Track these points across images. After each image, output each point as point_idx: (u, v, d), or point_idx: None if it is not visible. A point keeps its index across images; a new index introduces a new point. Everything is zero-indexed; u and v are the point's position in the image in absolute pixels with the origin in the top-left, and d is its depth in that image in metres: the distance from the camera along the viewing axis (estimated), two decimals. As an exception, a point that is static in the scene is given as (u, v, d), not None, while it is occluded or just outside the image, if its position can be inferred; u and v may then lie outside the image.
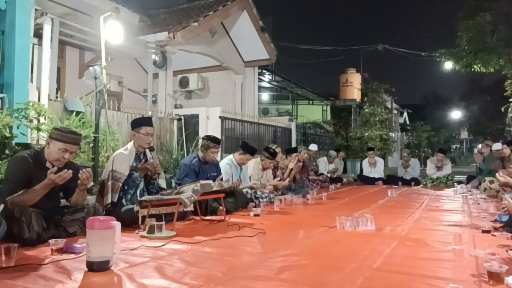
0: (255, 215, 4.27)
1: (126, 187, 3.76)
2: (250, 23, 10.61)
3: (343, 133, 15.46)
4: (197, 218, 4.07)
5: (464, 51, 10.75)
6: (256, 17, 10.63)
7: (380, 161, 9.78)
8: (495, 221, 3.71)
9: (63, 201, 3.28)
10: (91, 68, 5.20)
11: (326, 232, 3.40)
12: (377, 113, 15.18)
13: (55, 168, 2.84)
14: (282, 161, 6.61)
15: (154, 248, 2.74)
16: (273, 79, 16.28)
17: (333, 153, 9.82)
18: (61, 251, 2.58)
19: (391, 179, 9.18)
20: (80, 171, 2.99)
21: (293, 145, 10.67)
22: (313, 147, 9.25)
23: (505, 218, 3.53)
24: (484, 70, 10.90)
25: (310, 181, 7.71)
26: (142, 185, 3.89)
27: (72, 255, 2.49)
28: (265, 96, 19.21)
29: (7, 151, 4.29)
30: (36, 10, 5.83)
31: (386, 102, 17.74)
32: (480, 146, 10.15)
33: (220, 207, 4.14)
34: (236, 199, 4.70)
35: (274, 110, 19.01)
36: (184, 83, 10.51)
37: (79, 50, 9.09)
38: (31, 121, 4.90)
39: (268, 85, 17.24)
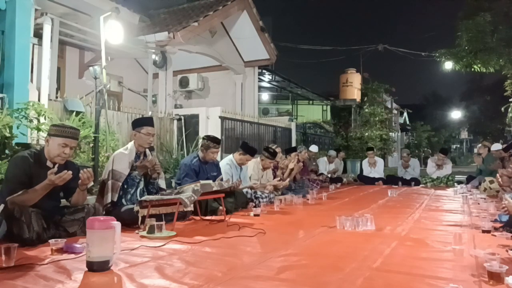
0: (255, 215, 4.27)
1: (126, 186, 3.76)
2: (250, 23, 10.60)
3: (343, 133, 15.46)
4: (197, 218, 4.07)
5: (464, 51, 10.74)
6: (256, 17, 10.63)
7: (380, 161, 9.78)
8: (495, 221, 3.71)
9: (63, 201, 3.27)
10: (91, 68, 5.20)
11: (326, 232, 3.40)
12: (377, 113, 15.18)
13: (55, 169, 2.84)
14: (282, 161, 6.61)
15: (154, 248, 2.74)
16: (273, 79, 16.28)
17: (332, 152, 9.82)
18: (61, 251, 2.58)
19: (391, 179, 9.18)
20: (81, 171, 2.99)
21: (293, 145, 10.68)
22: (314, 148, 9.26)
23: (505, 218, 3.53)
24: (484, 70, 10.89)
25: (310, 181, 7.72)
26: (142, 185, 3.90)
27: (72, 255, 2.49)
28: (265, 96, 19.20)
29: (7, 151, 4.28)
30: (36, 10, 5.82)
31: (386, 102, 17.74)
32: (478, 146, 10.13)
33: (220, 207, 4.14)
34: (236, 199, 4.70)
35: (274, 110, 18.99)
36: (184, 83, 10.51)
37: (79, 50, 9.09)
38: (31, 121, 4.90)
39: (268, 85, 17.24)
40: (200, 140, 5.53)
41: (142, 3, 9.63)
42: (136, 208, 3.50)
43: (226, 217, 4.03)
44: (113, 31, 5.48)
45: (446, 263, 2.40)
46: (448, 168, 9.01)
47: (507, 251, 2.62)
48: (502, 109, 11.63)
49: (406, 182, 8.85)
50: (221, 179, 4.35)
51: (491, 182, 6.46)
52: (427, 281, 2.06)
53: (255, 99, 11.80)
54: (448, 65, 11.37)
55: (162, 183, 4.07)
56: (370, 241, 3.02)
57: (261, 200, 5.10)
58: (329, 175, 9.25)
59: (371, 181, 9.17)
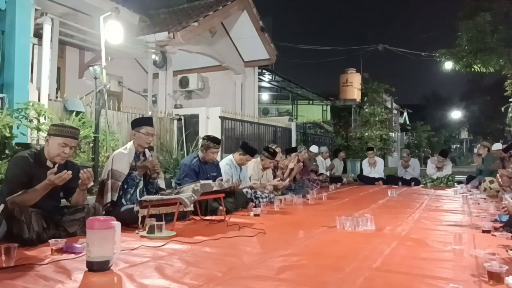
0: (255, 215, 4.27)
1: (125, 186, 3.76)
2: (250, 23, 10.60)
3: (343, 133, 15.47)
4: (197, 218, 4.07)
5: (464, 51, 10.75)
6: (256, 17, 10.63)
7: (380, 161, 9.79)
8: (495, 221, 3.71)
9: (63, 201, 3.28)
10: (91, 68, 5.20)
11: (326, 232, 3.40)
12: (377, 113, 15.19)
13: (55, 169, 2.84)
14: (282, 161, 6.61)
15: (154, 248, 2.74)
16: (273, 79, 16.28)
17: (324, 148, 10.05)
18: (61, 251, 2.57)
19: (391, 179, 9.18)
20: (81, 171, 2.99)
21: (293, 145, 10.68)
22: (314, 148, 9.26)
23: (505, 218, 3.53)
24: (484, 70, 10.90)
25: (310, 181, 7.72)
26: (141, 184, 3.90)
27: (72, 255, 2.49)
28: (265, 96, 19.19)
29: (7, 151, 4.29)
30: (36, 10, 5.82)
31: (386, 102, 17.75)
32: (478, 147, 10.14)
33: (220, 207, 4.14)
34: (236, 199, 4.70)
35: (274, 110, 18.99)
36: (184, 83, 10.51)
37: (79, 50, 9.09)
38: (31, 121, 4.90)
39: (268, 85, 17.23)
40: (200, 140, 5.53)
41: (142, 3, 9.63)
42: (136, 208, 3.50)
43: (226, 217, 4.03)
44: (113, 31, 5.48)
45: (446, 263, 2.40)
46: (448, 169, 9.01)
47: (507, 251, 2.62)
48: (502, 109, 11.63)
49: (406, 182, 8.85)
50: (221, 179, 4.35)
51: (491, 182, 6.46)
52: (427, 281, 2.06)
53: (255, 99, 11.80)
54: (448, 65, 11.38)
55: (161, 183, 4.07)
56: (370, 241, 3.02)
57: (261, 200, 5.10)
58: (328, 173, 9.25)
59: (371, 181, 9.17)
